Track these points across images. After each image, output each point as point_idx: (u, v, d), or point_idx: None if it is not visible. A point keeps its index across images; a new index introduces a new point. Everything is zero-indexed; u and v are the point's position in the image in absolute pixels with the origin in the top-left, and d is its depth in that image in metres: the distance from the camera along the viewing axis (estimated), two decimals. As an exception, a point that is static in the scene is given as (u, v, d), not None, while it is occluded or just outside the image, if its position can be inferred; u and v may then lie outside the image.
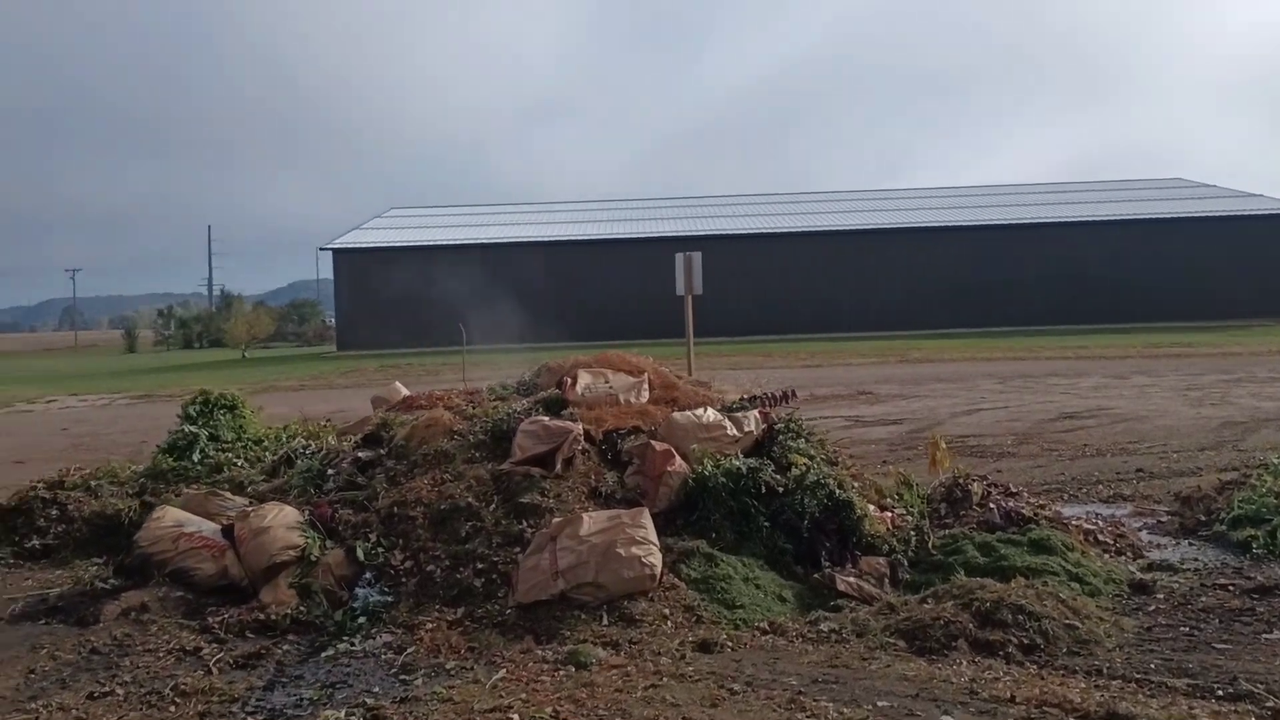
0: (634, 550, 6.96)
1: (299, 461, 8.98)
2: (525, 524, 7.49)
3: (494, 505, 7.71)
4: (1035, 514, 8.17)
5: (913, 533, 8.00)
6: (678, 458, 7.98)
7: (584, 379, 9.05)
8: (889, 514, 8.26)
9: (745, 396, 9.37)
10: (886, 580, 7.52)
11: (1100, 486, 11.72)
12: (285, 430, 11.09)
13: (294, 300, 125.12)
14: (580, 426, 8.24)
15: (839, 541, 7.84)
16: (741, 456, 8.18)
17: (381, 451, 8.73)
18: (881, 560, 7.67)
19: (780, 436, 8.57)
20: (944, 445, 8.87)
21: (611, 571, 6.87)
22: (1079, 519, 9.20)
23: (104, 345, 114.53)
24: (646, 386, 9.16)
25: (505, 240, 59.44)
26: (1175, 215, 58.86)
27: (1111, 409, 19.11)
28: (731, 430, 8.39)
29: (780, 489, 7.89)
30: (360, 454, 8.68)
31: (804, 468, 8.04)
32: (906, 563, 7.74)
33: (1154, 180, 71.49)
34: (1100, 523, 9.05)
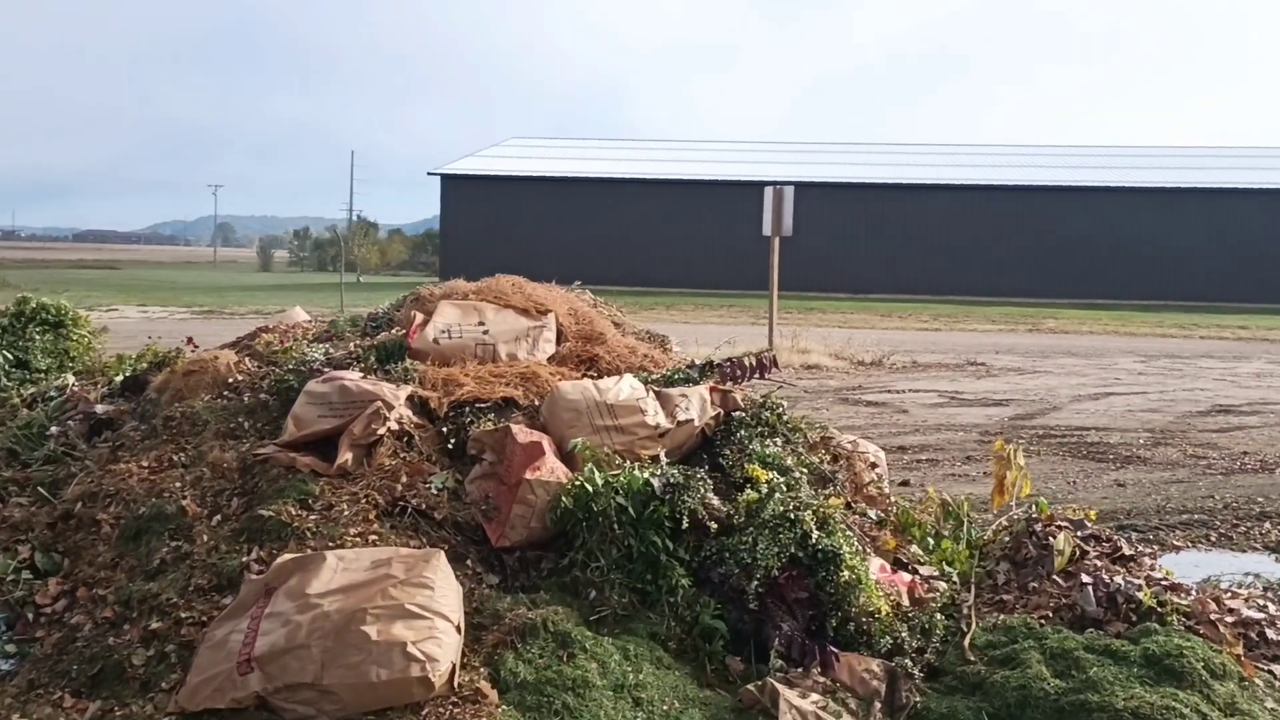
0: (397, 630, 3.79)
1: (31, 409, 5.98)
2: (257, 554, 4.37)
3: (220, 517, 4.60)
4: (1161, 600, 4.69)
5: (940, 617, 4.65)
6: (550, 456, 4.75)
7: (445, 316, 5.76)
8: (909, 577, 4.90)
9: (693, 363, 5.97)
10: (878, 702, 4.23)
11: (1268, 525, 8.12)
12: (135, 360, 8.08)
13: (429, 230, 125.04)
14: (404, 392, 5.03)
15: (811, 621, 4.57)
16: (665, 462, 4.91)
17: (129, 406, 5.69)
18: (876, 665, 4.36)
19: (739, 432, 5.25)
20: (1021, 460, 5.44)
21: (349, 667, 3.72)
22: (1231, 591, 5.68)
23: (243, 262, 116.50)
24: (551, 334, 5.89)
25: (616, 176, 56.16)
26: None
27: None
28: (654, 416, 5.07)
29: (716, 523, 4.64)
30: (100, 408, 5.65)
31: (766, 488, 4.75)
32: (920, 671, 4.42)
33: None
34: (1271, 606, 5.47)
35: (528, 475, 4.65)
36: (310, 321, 7.51)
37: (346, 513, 4.51)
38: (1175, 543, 7.57)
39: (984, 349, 24.03)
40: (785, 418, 5.47)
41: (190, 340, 6.98)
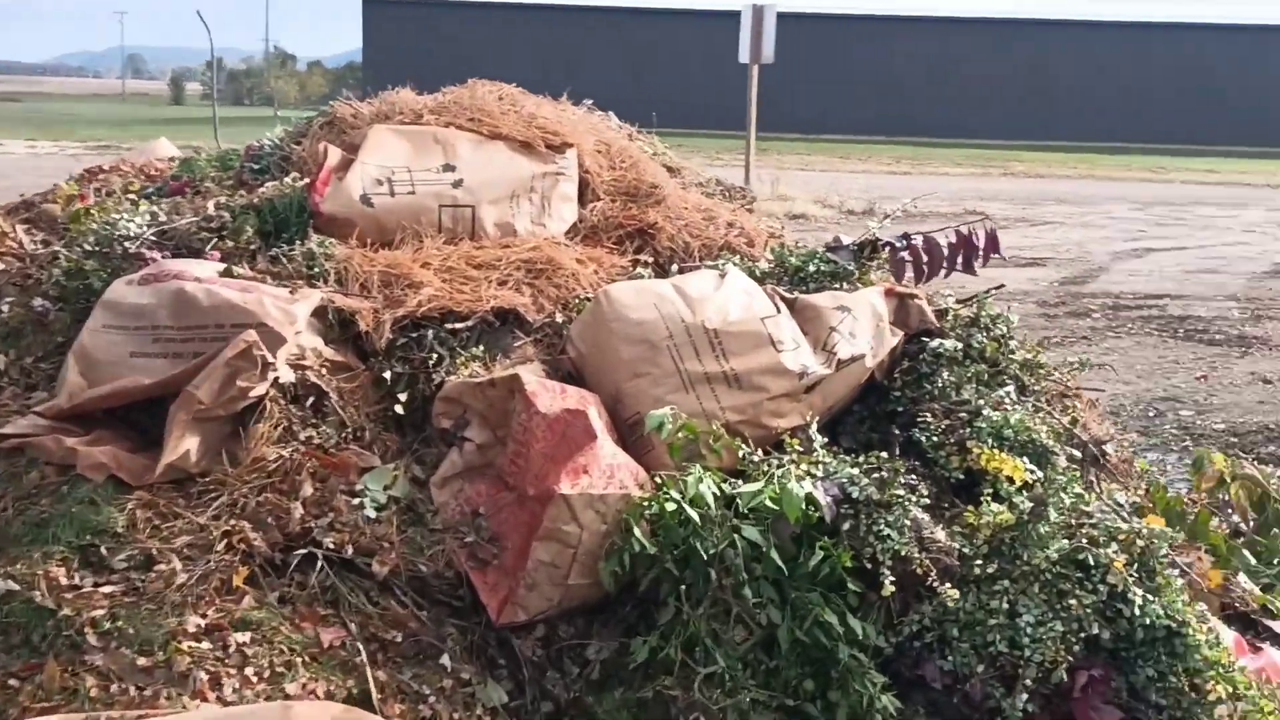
0: None
1: None
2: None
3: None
4: None
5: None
6: (605, 440, 2.38)
7: (383, 153, 3.01)
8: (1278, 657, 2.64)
9: (837, 240, 3.32)
10: None
11: None
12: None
13: (351, 62, 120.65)
14: (308, 304, 2.57)
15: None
16: (819, 443, 2.54)
17: None
18: None
19: (941, 375, 2.83)
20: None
21: None
22: None
23: (154, 95, 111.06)
24: (572, 187, 3.28)
25: (559, 3, 52.61)
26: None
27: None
28: (794, 354, 2.60)
29: (948, 578, 2.34)
30: None
31: (1026, 500, 2.45)
32: None
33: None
34: None
35: (563, 486, 2.26)
36: (173, 160, 4.96)
37: (181, 577, 2.10)
38: None
39: (967, 195, 21.91)
40: (1013, 347, 3.09)
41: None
